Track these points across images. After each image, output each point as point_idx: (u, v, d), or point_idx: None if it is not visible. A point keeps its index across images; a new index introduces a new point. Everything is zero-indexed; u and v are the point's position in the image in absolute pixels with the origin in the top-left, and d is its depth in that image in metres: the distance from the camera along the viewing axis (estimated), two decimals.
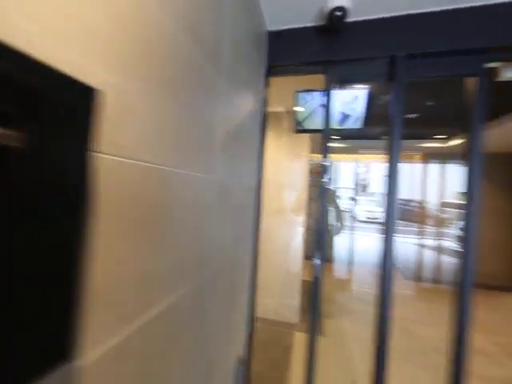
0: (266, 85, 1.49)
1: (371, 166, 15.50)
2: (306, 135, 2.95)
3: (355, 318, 2.87)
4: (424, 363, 2.21)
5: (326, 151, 1.39)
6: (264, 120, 1.50)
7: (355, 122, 1.66)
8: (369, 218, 11.31)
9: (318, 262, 1.32)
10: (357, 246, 5.60)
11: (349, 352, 2.24)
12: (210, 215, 0.75)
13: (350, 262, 5.01)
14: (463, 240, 1.19)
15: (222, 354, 0.99)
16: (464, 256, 1.19)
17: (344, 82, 1.42)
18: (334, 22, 1.27)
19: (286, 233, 2.83)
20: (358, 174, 8.85)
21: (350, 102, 1.58)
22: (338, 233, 5.40)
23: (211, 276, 0.80)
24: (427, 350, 2.38)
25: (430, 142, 4.17)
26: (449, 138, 3.99)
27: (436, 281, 4.46)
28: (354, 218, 6.34)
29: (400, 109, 1.34)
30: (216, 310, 0.89)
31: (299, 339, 2.33)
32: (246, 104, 1.12)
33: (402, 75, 1.30)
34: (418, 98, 2.67)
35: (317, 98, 1.67)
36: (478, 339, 2.58)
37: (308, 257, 4.05)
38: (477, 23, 1.16)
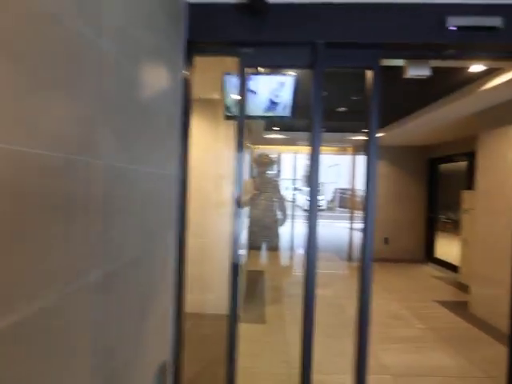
0: (189, 63, 1.37)
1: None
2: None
3: (294, 302, 3.03)
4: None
5: (240, 141, 1.33)
6: (187, 103, 1.38)
7: (283, 110, 1.66)
8: None
9: (240, 252, 1.30)
10: (300, 233, 5.93)
11: (285, 336, 2.35)
12: (97, 205, 0.63)
13: (293, 249, 5.29)
14: (364, 220, 1.31)
15: (135, 361, 0.88)
16: (364, 234, 1.31)
17: (263, 66, 1.39)
18: (256, 1, 1.23)
19: (228, 225, 2.78)
20: (304, 165, 9.38)
21: (277, 88, 1.58)
22: (282, 224, 5.62)
23: (109, 273, 0.68)
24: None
25: (359, 135, 4.61)
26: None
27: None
28: (298, 208, 6.68)
29: (319, 98, 1.38)
30: (122, 310, 0.77)
31: (243, 331, 2.34)
32: (155, 80, 0.99)
33: (322, 63, 1.33)
34: (347, 92, 2.88)
35: (247, 83, 1.62)
36: (394, 306, 3.00)
37: (254, 247, 4.14)
38: (375, 19, 1.24)
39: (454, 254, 4.67)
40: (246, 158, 3.13)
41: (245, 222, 2.85)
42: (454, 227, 8.18)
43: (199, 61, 1.43)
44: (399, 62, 1.87)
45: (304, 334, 1.33)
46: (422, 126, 3.56)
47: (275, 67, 1.54)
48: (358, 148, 5.18)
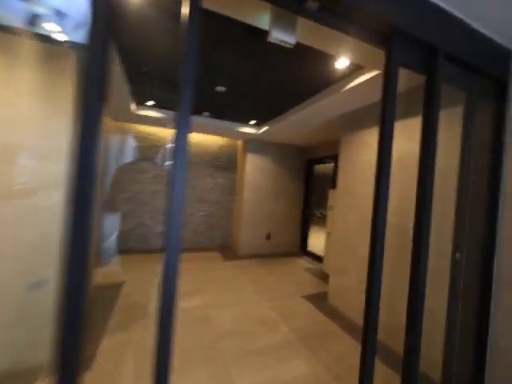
0: None
1: None
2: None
3: (152, 323, 2.36)
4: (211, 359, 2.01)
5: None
6: None
7: (75, 30, 0.96)
8: None
9: None
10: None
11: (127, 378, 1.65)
12: None
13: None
14: (168, 215, 0.82)
15: None
16: (168, 228, 0.82)
17: None
18: None
19: (31, 227, 1.78)
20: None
21: None
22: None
23: None
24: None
25: (247, 127, 4.37)
26: (258, 125, 4.32)
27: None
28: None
29: (193, 49, 0.78)
30: None
31: None
32: None
33: None
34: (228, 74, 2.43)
35: None
36: (263, 308, 2.82)
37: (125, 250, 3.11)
38: None
39: (322, 247, 5.25)
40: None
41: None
42: (324, 222, 9.65)
43: None
44: (264, 24, 1.52)
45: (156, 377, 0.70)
46: (295, 125, 3.62)
47: None
48: (249, 143, 4.99)
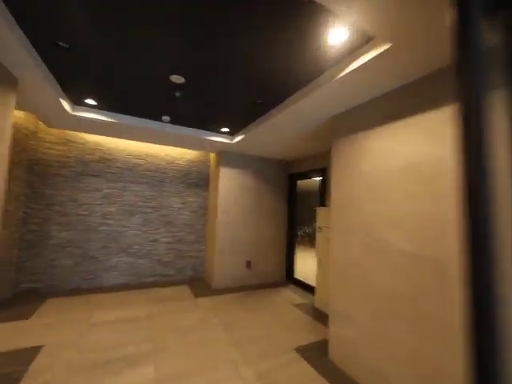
0: None
1: None
2: None
3: None
4: None
5: None
6: None
7: None
8: None
9: None
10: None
11: None
12: None
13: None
14: None
15: None
16: None
17: None
18: None
19: None
20: None
21: None
22: None
23: None
24: None
25: (217, 136, 3.72)
26: (232, 133, 3.69)
27: None
28: None
29: None
30: None
31: None
32: None
33: None
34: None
35: None
36: (241, 375, 1.98)
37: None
38: None
39: (310, 273, 4.55)
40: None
41: None
42: (309, 241, 8.99)
43: None
44: None
45: None
46: (276, 131, 3.04)
47: None
48: (223, 156, 4.31)
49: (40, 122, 3.48)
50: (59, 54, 1.89)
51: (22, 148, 3.27)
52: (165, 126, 3.29)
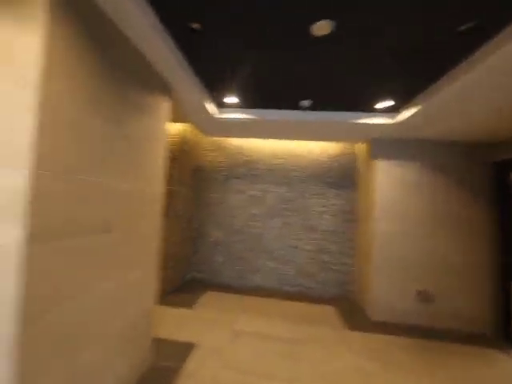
0: None
1: None
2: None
3: None
4: None
5: None
6: None
7: None
8: None
9: None
10: None
11: None
12: None
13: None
14: None
15: None
16: None
17: None
18: None
19: None
20: None
21: None
22: None
23: None
24: None
25: (375, 117, 2.77)
26: (397, 108, 2.60)
27: None
28: None
29: None
30: None
31: None
32: None
33: None
34: None
35: None
36: None
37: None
38: None
39: None
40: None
41: None
42: None
43: None
44: None
45: None
46: (474, 95, 1.68)
47: None
48: (377, 145, 3.29)
49: (198, 132, 4.01)
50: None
51: (190, 157, 3.84)
52: (305, 115, 2.78)
